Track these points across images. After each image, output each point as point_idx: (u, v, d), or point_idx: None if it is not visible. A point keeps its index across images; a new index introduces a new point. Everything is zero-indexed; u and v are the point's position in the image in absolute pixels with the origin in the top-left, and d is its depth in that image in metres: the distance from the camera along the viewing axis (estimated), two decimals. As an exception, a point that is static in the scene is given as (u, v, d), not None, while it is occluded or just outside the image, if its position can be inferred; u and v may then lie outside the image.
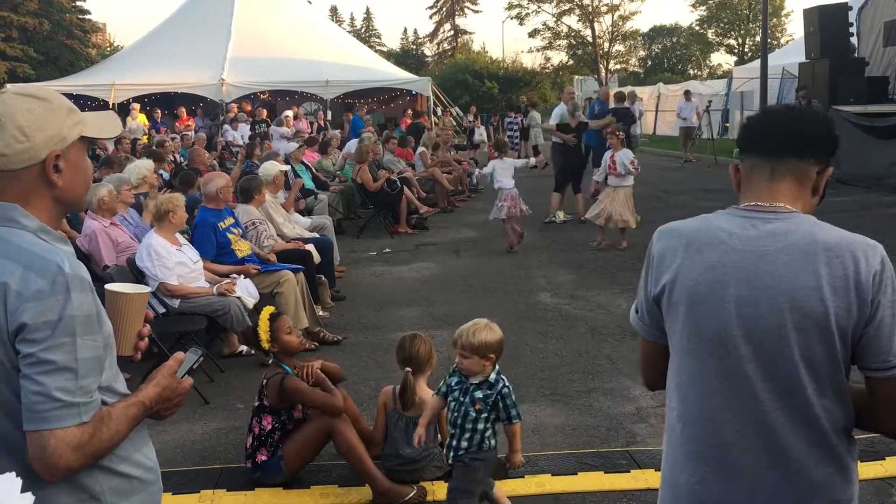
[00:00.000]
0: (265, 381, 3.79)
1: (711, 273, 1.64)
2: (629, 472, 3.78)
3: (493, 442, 3.26)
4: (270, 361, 3.97)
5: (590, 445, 4.11)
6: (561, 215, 11.07)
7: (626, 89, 27.81)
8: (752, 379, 1.61)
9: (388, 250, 9.87)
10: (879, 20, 15.50)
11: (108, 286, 1.80)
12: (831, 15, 15.63)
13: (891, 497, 3.46)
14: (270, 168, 7.42)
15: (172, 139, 14.18)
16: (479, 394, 3.22)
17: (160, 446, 4.28)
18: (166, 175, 9.32)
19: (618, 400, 4.72)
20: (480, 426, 3.21)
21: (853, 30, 16.02)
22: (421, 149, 14.54)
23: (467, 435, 3.21)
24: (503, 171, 9.32)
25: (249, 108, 20.15)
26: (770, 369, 1.59)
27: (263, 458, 3.69)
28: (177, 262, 5.30)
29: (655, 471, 3.76)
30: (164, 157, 10.07)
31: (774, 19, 51.63)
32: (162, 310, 5.26)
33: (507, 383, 3.30)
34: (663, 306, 1.74)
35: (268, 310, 3.96)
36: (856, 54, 16.10)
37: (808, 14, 16.16)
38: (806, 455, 1.59)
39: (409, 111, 22.87)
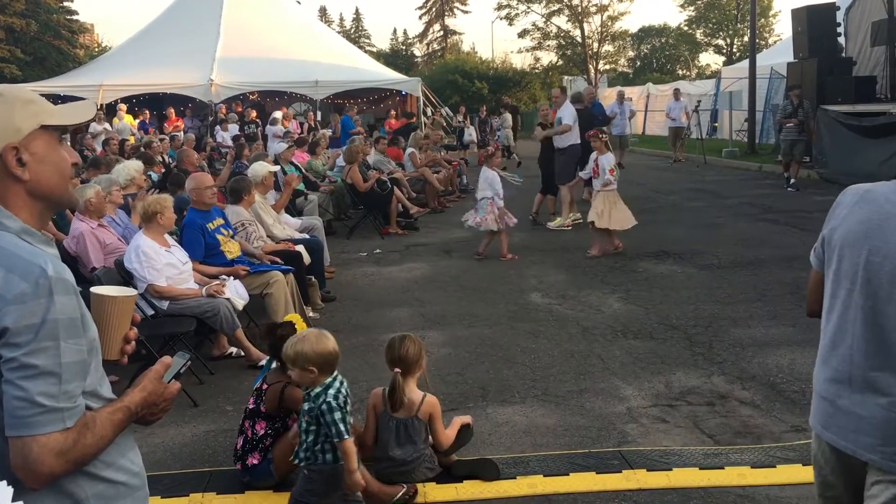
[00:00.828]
0: (266, 386, 3.75)
1: (862, 225, 2.05)
2: (621, 472, 3.76)
3: (328, 456, 3.14)
4: (274, 366, 3.88)
5: (581, 446, 4.10)
6: (558, 222, 10.73)
7: (616, 89, 27.91)
8: (866, 309, 2.01)
9: (378, 251, 9.85)
10: (867, 20, 15.56)
11: (94, 289, 1.77)
12: (819, 15, 15.69)
13: None
14: (259, 169, 7.38)
15: (161, 140, 14.11)
16: (305, 405, 3.18)
17: (148, 449, 4.24)
18: (155, 176, 9.26)
19: (609, 400, 4.71)
20: (310, 438, 3.15)
21: (841, 30, 16.10)
22: (410, 149, 14.51)
23: (304, 445, 3.17)
24: (484, 181, 8.98)
25: (240, 108, 20.05)
26: (878, 305, 1.98)
27: (254, 461, 3.67)
28: (165, 264, 5.26)
29: (647, 471, 3.76)
30: (153, 158, 10.00)
31: (762, 20, 51.84)
32: (150, 311, 5.22)
33: (332, 398, 3.11)
34: (825, 246, 2.18)
35: (297, 317, 3.91)
36: (843, 54, 16.18)
37: (796, 14, 16.22)
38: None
39: (394, 112, 22.86)
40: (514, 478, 3.75)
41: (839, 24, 16.05)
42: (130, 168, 7.11)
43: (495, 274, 8.24)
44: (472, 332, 6.22)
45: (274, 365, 3.86)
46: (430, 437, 3.74)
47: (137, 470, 1.73)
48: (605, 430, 4.30)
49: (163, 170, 11.14)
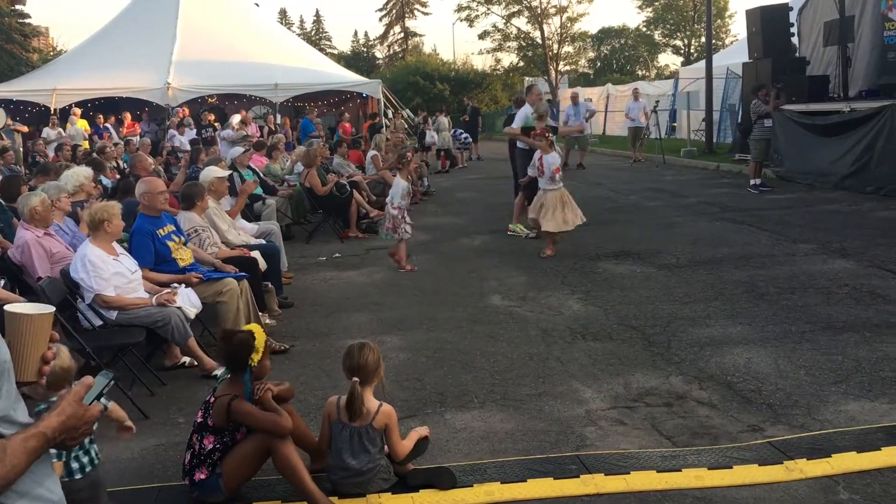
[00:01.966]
0: (213, 399, 3.65)
1: None
2: (579, 477, 3.72)
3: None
4: (227, 377, 3.74)
5: (539, 451, 4.06)
6: (519, 229, 10.27)
7: (575, 90, 28.09)
8: None
9: (337, 255, 9.74)
10: (819, 20, 15.82)
11: (8, 307, 1.68)
12: (772, 15, 15.92)
13: (837, 495, 3.46)
14: (207, 174, 7.23)
15: (115, 145, 13.84)
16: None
17: (96, 465, 4.11)
18: (108, 182, 9.05)
19: (568, 403, 4.68)
20: None
21: (794, 30, 16.35)
22: (373, 152, 14.41)
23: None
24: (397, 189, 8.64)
25: (188, 112, 19.74)
26: None
27: (202, 476, 3.56)
28: (113, 273, 5.12)
29: (605, 475, 3.74)
30: (104, 164, 9.78)
31: (718, 20, 52.63)
32: (98, 322, 5.09)
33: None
34: None
35: (258, 327, 3.79)
36: (797, 54, 16.43)
37: (751, 15, 16.44)
38: None
39: (348, 115, 22.78)
40: (471, 486, 3.70)
41: (792, 25, 16.31)
42: (79, 174, 6.93)
43: (455, 277, 8.19)
44: (431, 337, 6.16)
45: (228, 375, 3.75)
46: (385, 446, 3.67)
47: (57, 499, 1.64)
48: (564, 433, 4.26)
49: (117, 175, 10.93)
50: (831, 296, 6.59)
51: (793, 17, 16.38)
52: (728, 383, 4.84)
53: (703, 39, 43.56)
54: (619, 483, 3.65)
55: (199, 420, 3.66)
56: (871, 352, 5.19)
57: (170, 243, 5.94)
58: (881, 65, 14.06)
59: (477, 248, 9.85)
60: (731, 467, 3.74)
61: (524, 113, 10.47)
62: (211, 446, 3.57)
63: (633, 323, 6.21)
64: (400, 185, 8.58)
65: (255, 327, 3.78)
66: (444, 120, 21.82)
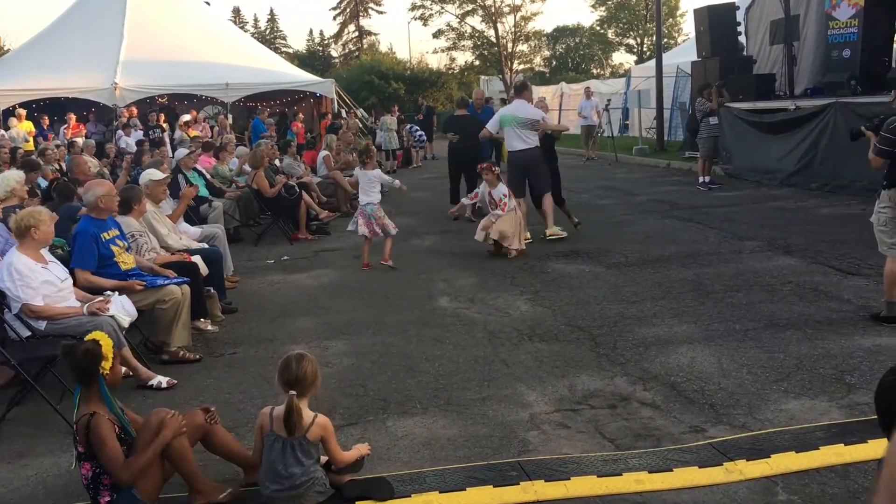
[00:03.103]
0: (76, 424, 3.44)
1: None
2: (519, 484, 3.66)
3: None
4: (80, 399, 3.53)
5: (481, 457, 3.99)
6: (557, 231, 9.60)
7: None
8: None
9: (286, 258, 9.58)
10: (766, 19, 16.05)
11: None
12: (720, 14, 16.11)
13: (776, 496, 3.45)
14: (144, 177, 7.03)
15: (57, 147, 13.45)
16: None
17: (20, 483, 3.96)
18: (44, 183, 8.76)
19: (512, 407, 4.62)
20: None
21: (741, 29, 16.56)
22: (325, 152, 14.25)
23: None
24: (366, 185, 8.63)
25: (136, 112, 19.33)
26: None
27: (108, 499, 3.41)
28: (42, 282, 4.93)
29: (545, 481, 3.68)
30: (39, 166, 9.47)
31: (670, 19, 53.33)
32: (26, 333, 4.89)
33: None
34: None
35: (100, 334, 3.62)
36: (744, 52, 16.65)
37: (698, 14, 16.62)
38: None
39: (301, 115, 22.55)
40: (409, 496, 3.61)
41: (739, 24, 16.52)
42: (10, 179, 6.68)
43: (404, 279, 8.10)
44: (377, 341, 6.06)
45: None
46: (320, 458, 3.57)
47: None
48: (507, 438, 4.20)
49: (57, 178, 10.62)
50: (775, 293, 6.65)
51: (740, 16, 16.60)
52: (672, 383, 4.83)
53: (655, 38, 44.08)
54: (559, 489, 3.60)
55: (77, 452, 3.48)
56: (813, 349, 5.23)
57: (113, 248, 5.77)
58: (825, 63, 14.31)
59: (427, 248, 9.77)
60: (672, 470, 3.72)
61: (520, 107, 9.63)
62: (91, 472, 3.41)
63: (581, 323, 6.18)
64: (371, 175, 8.64)
65: (98, 335, 3.60)
66: (388, 119, 21.71)
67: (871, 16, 13.15)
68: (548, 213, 9.57)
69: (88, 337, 3.60)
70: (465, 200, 9.71)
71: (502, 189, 8.90)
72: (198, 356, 5.83)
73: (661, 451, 3.93)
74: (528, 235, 9.23)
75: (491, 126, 9.94)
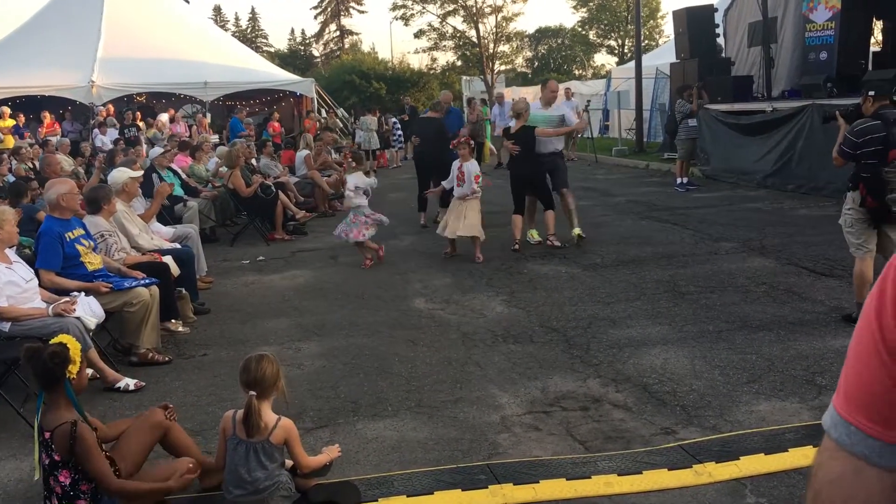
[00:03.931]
0: (49, 433, 3.33)
1: None
2: (487, 487, 3.63)
3: None
4: (46, 405, 3.43)
5: (451, 460, 3.95)
6: (535, 235, 9.48)
7: (500, 91, 28.25)
8: None
9: (261, 258, 9.50)
10: (744, 21, 16.13)
11: None
12: (698, 16, 16.17)
13: (744, 498, 3.44)
14: (118, 175, 6.93)
15: (31, 145, 13.28)
16: None
17: (-21, 489, 3.87)
18: (11, 179, 8.63)
19: (484, 409, 4.59)
20: None
21: (720, 31, 16.64)
22: (305, 152, 14.17)
23: None
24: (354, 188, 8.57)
25: (113, 110, 19.14)
26: None
27: None
28: (6, 282, 4.84)
29: (514, 484, 3.65)
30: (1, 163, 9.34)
31: (651, 21, 53.57)
32: (-10, 335, 4.79)
33: None
34: None
35: (66, 337, 3.54)
36: (723, 54, 16.72)
37: (677, 16, 16.68)
38: None
39: (277, 114, 22.44)
40: (377, 500, 3.57)
41: (718, 26, 16.59)
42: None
43: (380, 280, 8.05)
44: (349, 342, 6.01)
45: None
46: (285, 462, 3.52)
47: None
48: (477, 441, 4.17)
49: (31, 175, 10.48)
50: (749, 294, 6.66)
51: (718, 18, 16.67)
52: (644, 385, 4.81)
53: (635, 40, 44.25)
54: (527, 492, 3.57)
55: (47, 461, 3.35)
56: (784, 350, 5.24)
57: (79, 247, 5.67)
58: (803, 65, 14.39)
59: (404, 249, 9.73)
60: (641, 472, 3.70)
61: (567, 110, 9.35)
62: (70, 480, 3.31)
63: (555, 325, 6.16)
64: (363, 179, 8.60)
65: (65, 338, 3.51)
66: (368, 119, 21.60)
67: (847, 19, 13.24)
68: (572, 210, 9.19)
69: (54, 340, 3.52)
70: (444, 184, 9.32)
71: (474, 167, 8.70)
72: (167, 358, 5.76)
73: (630, 453, 3.91)
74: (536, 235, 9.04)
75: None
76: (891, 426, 0.88)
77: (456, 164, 8.83)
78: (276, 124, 20.37)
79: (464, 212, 8.59)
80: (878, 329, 0.90)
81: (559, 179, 9.26)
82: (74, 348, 3.41)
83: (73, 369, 3.39)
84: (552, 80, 10.33)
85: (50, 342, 3.51)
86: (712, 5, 16.58)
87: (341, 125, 23.88)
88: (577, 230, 9.01)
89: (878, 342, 0.91)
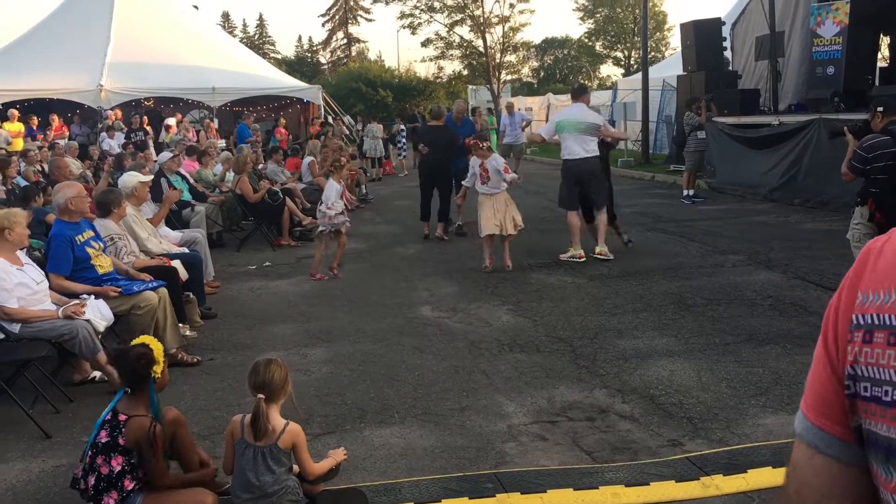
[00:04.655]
0: (124, 416, 3.44)
1: None
2: (494, 496, 3.64)
3: None
4: (128, 392, 3.56)
5: (458, 468, 3.96)
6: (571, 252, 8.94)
7: (510, 99, 28.32)
8: None
9: (268, 264, 9.53)
10: (751, 35, 16.16)
11: None
12: (706, 29, 16.22)
13: (751, 510, 3.44)
14: (129, 179, 6.97)
15: (39, 148, 13.33)
16: None
17: (-12, 489, 3.88)
18: (23, 182, 8.67)
19: (490, 418, 4.59)
20: None
21: (727, 44, 16.68)
22: (309, 158, 14.22)
23: None
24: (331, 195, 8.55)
25: (121, 114, 19.22)
26: None
27: (111, 501, 3.36)
28: (17, 284, 4.86)
29: (521, 493, 3.66)
30: (9, 164, 9.37)
31: (658, 33, 53.67)
32: (0, 336, 4.81)
33: None
34: None
35: (149, 338, 3.63)
36: (730, 67, 16.76)
37: (685, 28, 16.72)
38: None
39: (283, 120, 22.50)
40: (384, 507, 3.58)
41: (725, 39, 16.63)
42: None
43: (386, 286, 8.07)
44: (356, 349, 6.02)
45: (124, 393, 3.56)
46: (293, 466, 3.53)
47: None
48: (484, 450, 4.18)
49: (40, 179, 10.53)
50: (755, 307, 6.66)
51: (725, 31, 16.71)
52: (651, 396, 4.81)
53: (641, 51, 44.39)
54: (534, 502, 3.58)
55: (106, 440, 3.44)
56: (791, 364, 5.24)
57: (89, 250, 5.70)
58: (810, 79, 14.41)
59: (410, 256, 9.75)
60: (649, 484, 3.70)
61: (580, 112, 8.95)
62: (120, 468, 3.38)
63: (561, 335, 6.17)
64: (333, 187, 8.53)
65: (147, 339, 3.61)
66: (375, 126, 21.61)
67: (854, 34, 13.26)
68: (601, 230, 8.93)
69: (137, 341, 3.62)
70: (465, 183, 9.17)
71: (499, 160, 8.61)
72: (196, 359, 5.78)
73: (638, 464, 3.91)
74: (582, 253, 8.84)
75: (545, 133, 9.43)
76: (833, 420, 1.01)
77: (475, 161, 8.68)
78: (283, 130, 20.42)
79: (500, 208, 8.47)
80: (824, 337, 1.03)
81: (596, 196, 9.01)
82: (157, 349, 3.51)
83: (157, 369, 3.50)
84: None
85: (132, 343, 3.62)
86: (720, 18, 16.62)
87: (347, 132, 23.93)
88: (600, 248, 8.86)
89: (823, 348, 1.03)
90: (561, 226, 11.11)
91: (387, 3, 46.95)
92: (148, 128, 18.83)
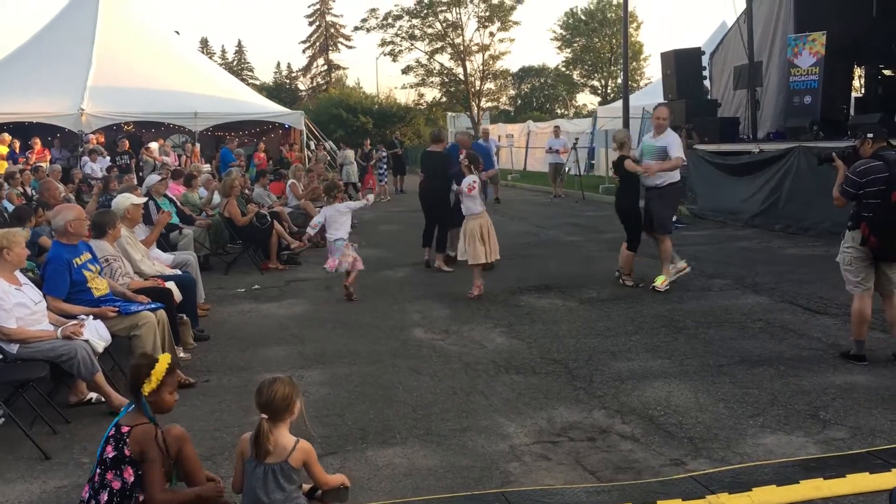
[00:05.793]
0: (127, 427, 3.42)
1: None
2: (504, 514, 3.65)
3: None
4: (132, 408, 3.54)
5: (464, 487, 3.97)
6: (664, 280, 8.59)
7: (485, 126, 28.63)
8: None
9: (257, 287, 9.50)
10: (730, 65, 16.49)
11: None
12: (686, 59, 16.50)
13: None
14: (122, 201, 6.95)
15: (21, 171, 13.23)
16: None
17: (-11, 511, 3.83)
18: (10, 207, 8.61)
19: (492, 438, 4.61)
20: None
21: (706, 73, 16.98)
22: (291, 181, 14.24)
23: None
24: (337, 219, 8.70)
25: (103, 139, 19.14)
26: None
27: None
28: (15, 304, 4.83)
29: (530, 512, 3.66)
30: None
31: (634, 63, 54.47)
32: (-2, 356, 4.77)
33: None
34: None
35: (167, 357, 3.60)
36: (709, 96, 17.06)
37: (665, 58, 17.01)
38: None
39: (262, 145, 22.54)
40: (394, 525, 3.58)
41: (705, 68, 16.94)
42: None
43: (377, 310, 8.08)
44: (352, 371, 6.02)
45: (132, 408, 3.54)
46: (302, 485, 3.51)
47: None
48: (488, 469, 4.19)
49: (23, 201, 10.46)
50: (746, 330, 6.76)
51: (705, 60, 17.02)
52: (650, 417, 4.86)
53: (619, 80, 45.03)
54: (544, 520, 3.60)
55: (113, 454, 3.41)
56: (786, 385, 5.31)
57: (86, 272, 5.67)
58: (787, 108, 14.73)
59: (400, 280, 9.77)
60: (655, 503, 3.73)
61: (671, 140, 8.46)
62: (133, 478, 3.35)
63: (556, 356, 6.21)
64: (340, 207, 8.74)
65: (164, 356, 3.59)
66: (350, 153, 21.77)
67: (830, 65, 13.61)
68: (664, 257, 8.73)
69: (161, 357, 3.59)
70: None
71: (469, 179, 8.42)
72: (192, 380, 5.74)
73: (644, 483, 3.95)
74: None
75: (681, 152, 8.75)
76: None
77: (467, 181, 8.46)
78: (262, 154, 20.45)
79: (482, 234, 8.37)
80: None
81: (658, 222, 8.70)
82: (160, 368, 3.46)
83: (147, 387, 3.44)
84: (661, 105, 9.46)
85: (142, 353, 3.69)
86: (699, 48, 16.94)
87: (329, 158, 23.98)
88: (660, 279, 8.52)
89: None
90: (547, 250, 11.21)
91: (368, 31, 47.38)
92: (131, 151, 18.74)
